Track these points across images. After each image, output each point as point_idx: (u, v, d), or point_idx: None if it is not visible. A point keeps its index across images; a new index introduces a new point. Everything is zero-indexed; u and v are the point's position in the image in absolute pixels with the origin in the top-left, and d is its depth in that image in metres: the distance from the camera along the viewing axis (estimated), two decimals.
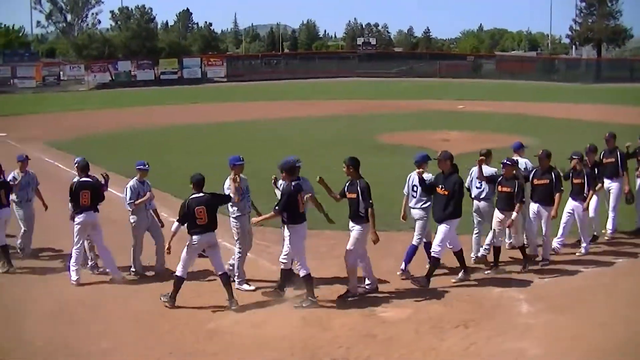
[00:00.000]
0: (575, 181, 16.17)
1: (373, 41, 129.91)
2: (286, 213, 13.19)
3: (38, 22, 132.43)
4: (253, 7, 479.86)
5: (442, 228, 13.95)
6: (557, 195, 15.35)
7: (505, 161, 15.04)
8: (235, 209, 13.97)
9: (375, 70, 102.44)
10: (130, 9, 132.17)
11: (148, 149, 30.47)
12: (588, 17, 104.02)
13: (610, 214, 17.67)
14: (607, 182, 17.39)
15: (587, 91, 71.64)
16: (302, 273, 13.22)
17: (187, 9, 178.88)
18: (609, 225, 17.69)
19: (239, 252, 14.18)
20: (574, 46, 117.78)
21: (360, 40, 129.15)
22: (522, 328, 12.11)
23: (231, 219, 14.11)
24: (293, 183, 13.28)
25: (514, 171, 15.04)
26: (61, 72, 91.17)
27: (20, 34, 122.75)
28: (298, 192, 13.24)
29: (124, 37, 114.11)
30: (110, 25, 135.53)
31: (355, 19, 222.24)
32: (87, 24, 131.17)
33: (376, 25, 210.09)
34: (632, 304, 13.24)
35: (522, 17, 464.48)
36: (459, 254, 14.32)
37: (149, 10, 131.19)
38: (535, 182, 15.56)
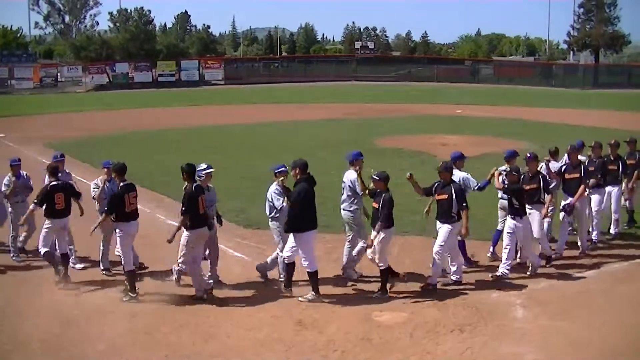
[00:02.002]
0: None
1: (371, 45, 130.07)
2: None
3: (36, 23, 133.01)
4: (251, 10, 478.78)
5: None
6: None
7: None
8: None
9: (373, 74, 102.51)
10: (128, 10, 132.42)
11: (145, 150, 30.53)
12: (586, 22, 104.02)
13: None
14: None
15: (585, 97, 71.76)
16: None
17: (186, 11, 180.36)
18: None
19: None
20: (571, 52, 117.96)
21: (358, 44, 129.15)
22: (518, 333, 12.11)
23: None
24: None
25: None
26: (59, 74, 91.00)
27: (18, 35, 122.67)
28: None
29: (122, 39, 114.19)
30: (109, 26, 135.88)
31: (353, 22, 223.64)
32: (85, 26, 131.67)
33: (374, 29, 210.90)
34: (629, 309, 13.27)
35: (520, 23, 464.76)
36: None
37: (148, 12, 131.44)
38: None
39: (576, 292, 14.26)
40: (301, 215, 13.41)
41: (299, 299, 13.44)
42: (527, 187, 15.29)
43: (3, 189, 16.09)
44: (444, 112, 54.40)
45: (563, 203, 16.52)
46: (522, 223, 14.74)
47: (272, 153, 30.09)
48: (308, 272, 13.56)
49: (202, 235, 13.70)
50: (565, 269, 15.59)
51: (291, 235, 13.61)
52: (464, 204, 14.00)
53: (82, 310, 13.28)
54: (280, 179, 14.04)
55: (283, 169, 14.18)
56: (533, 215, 15.34)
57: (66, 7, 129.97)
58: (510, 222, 14.86)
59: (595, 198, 17.35)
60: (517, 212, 14.74)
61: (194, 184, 13.59)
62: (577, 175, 16.47)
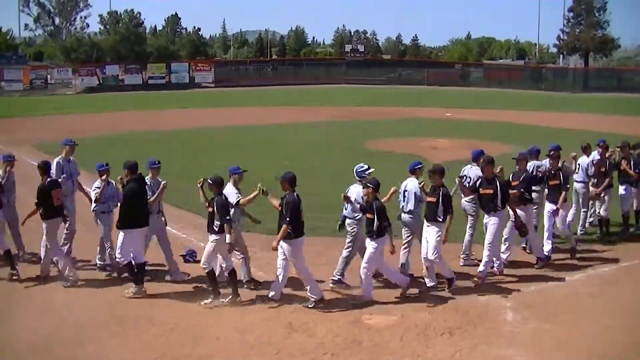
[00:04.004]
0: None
1: (361, 48, 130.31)
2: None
3: (26, 25, 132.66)
4: (242, 13, 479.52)
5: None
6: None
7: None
8: None
9: (363, 77, 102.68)
10: (119, 13, 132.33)
11: (138, 152, 30.48)
12: (576, 26, 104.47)
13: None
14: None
15: (575, 100, 72.05)
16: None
17: (176, 13, 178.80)
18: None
19: None
20: (561, 55, 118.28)
21: (348, 47, 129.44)
22: (508, 336, 12.14)
23: None
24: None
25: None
26: (49, 76, 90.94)
27: (8, 37, 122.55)
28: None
29: (112, 41, 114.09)
30: (99, 29, 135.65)
31: (343, 25, 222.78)
32: (76, 28, 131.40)
33: (364, 32, 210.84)
34: (618, 312, 13.31)
35: (510, 26, 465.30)
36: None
37: (138, 15, 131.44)
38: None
39: (565, 295, 14.30)
40: (129, 214, 13.94)
41: (303, 305, 13.44)
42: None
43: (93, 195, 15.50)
44: (434, 115, 54.55)
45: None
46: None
47: (262, 156, 30.10)
48: (126, 264, 14.19)
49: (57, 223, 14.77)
50: (555, 272, 15.63)
51: (120, 233, 14.07)
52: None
53: (71, 312, 13.26)
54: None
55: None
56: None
57: (56, 9, 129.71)
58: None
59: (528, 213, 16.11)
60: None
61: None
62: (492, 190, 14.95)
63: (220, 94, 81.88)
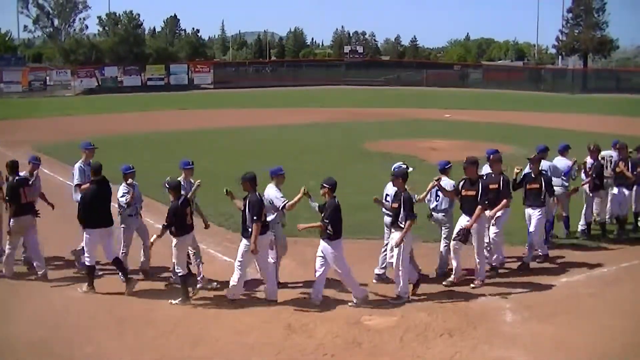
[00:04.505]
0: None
1: (360, 49, 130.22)
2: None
3: (25, 26, 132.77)
4: (241, 15, 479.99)
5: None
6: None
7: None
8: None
9: (362, 79, 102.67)
10: (117, 14, 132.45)
11: (136, 154, 30.46)
12: (574, 27, 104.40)
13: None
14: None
15: (574, 101, 72.09)
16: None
17: (175, 15, 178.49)
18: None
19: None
20: (560, 56, 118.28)
21: (347, 49, 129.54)
22: (507, 337, 12.13)
23: None
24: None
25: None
26: (47, 77, 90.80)
27: (7, 39, 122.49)
28: None
29: (111, 43, 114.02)
30: (98, 30, 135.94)
31: (342, 27, 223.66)
32: (74, 29, 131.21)
33: (363, 33, 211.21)
34: (617, 313, 13.29)
35: (509, 27, 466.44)
36: None
37: (137, 16, 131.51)
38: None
39: (565, 295, 14.29)
40: (89, 214, 14.16)
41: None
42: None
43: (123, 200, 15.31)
44: (433, 116, 54.50)
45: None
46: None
47: (260, 157, 30.12)
48: (87, 265, 14.34)
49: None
50: (554, 273, 15.64)
51: (84, 234, 14.32)
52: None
53: (70, 313, 13.25)
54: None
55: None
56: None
57: (55, 11, 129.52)
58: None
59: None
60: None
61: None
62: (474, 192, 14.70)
63: (219, 95, 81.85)
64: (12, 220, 14.96)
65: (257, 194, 13.49)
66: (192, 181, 15.13)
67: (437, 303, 13.70)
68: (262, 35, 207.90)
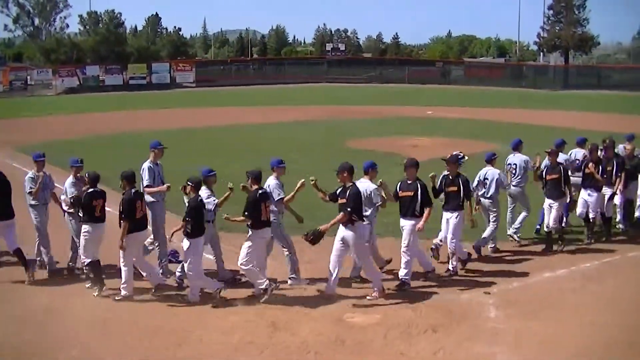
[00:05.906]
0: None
1: (342, 47, 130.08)
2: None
3: (5, 25, 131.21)
4: (222, 12, 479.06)
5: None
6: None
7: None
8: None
9: (344, 76, 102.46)
10: (98, 13, 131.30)
11: (120, 154, 30.39)
12: (555, 24, 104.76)
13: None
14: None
15: (556, 98, 72.36)
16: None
17: (156, 13, 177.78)
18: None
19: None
20: (541, 53, 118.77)
21: (329, 46, 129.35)
22: (491, 333, 12.18)
23: None
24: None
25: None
26: (28, 77, 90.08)
27: None
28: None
29: (92, 42, 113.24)
30: (79, 29, 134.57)
31: (324, 24, 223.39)
32: (55, 28, 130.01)
33: (345, 31, 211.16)
34: (600, 308, 13.39)
35: (490, 24, 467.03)
36: None
37: (118, 15, 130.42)
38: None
39: (548, 291, 14.38)
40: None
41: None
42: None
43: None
44: (415, 113, 54.61)
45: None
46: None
47: (242, 155, 30.10)
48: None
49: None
50: (537, 269, 15.72)
51: None
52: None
53: (54, 315, 13.19)
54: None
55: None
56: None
57: (36, 10, 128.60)
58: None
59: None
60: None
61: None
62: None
63: (201, 93, 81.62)
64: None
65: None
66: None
67: (421, 300, 13.75)
68: (244, 33, 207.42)
